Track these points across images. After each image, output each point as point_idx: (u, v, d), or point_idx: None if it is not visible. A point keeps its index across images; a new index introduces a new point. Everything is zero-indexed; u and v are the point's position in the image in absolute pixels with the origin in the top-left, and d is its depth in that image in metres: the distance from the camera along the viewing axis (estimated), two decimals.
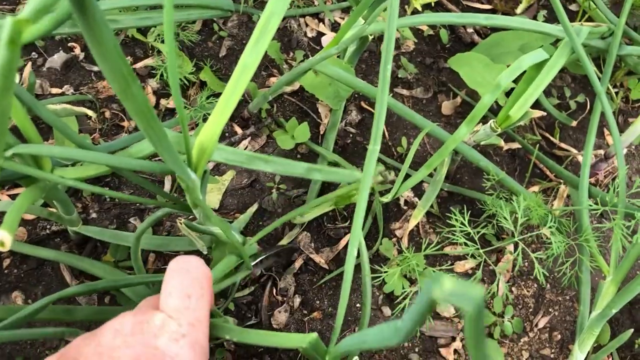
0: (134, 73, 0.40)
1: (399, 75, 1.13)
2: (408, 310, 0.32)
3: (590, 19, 1.17)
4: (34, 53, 1.02)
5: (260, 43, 0.53)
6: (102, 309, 0.73)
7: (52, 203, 0.74)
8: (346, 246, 0.92)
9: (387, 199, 0.82)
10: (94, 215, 0.89)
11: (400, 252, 0.93)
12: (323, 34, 1.16)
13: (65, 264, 0.84)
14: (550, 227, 0.80)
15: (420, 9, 1.05)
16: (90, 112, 0.82)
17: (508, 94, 0.97)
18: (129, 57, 1.03)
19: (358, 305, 0.88)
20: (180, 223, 0.64)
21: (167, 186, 0.94)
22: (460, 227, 0.80)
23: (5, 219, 0.49)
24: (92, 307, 0.81)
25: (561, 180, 1.04)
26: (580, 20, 1.18)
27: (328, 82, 0.94)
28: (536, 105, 0.98)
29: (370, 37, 0.91)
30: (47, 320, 0.78)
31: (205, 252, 0.71)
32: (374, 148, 0.66)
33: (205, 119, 0.93)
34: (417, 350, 0.86)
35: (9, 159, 0.55)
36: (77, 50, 1.05)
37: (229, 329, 0.58)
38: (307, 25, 1.17)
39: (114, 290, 0.82)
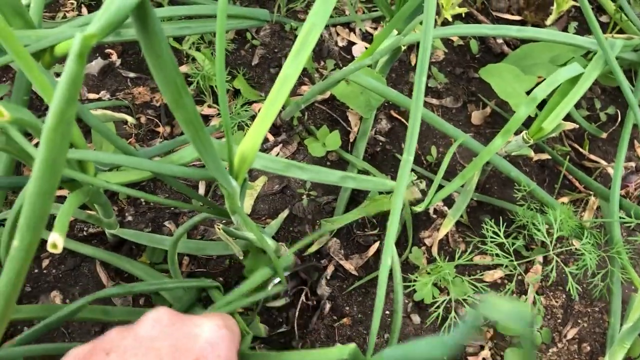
0: (186, 85, 0.42)
1: (429, 85, 1.14)
2: (458, 327, 0.34)
3: (621, 31, 1.17)
4: None
5: (301, 55, 0.54)
6: (138, 310, 0.75)
7: (93, 206, 0.76)
8: (375, 253, 0.93)
9: (420, 208, 0.82)
10: (129, 218, 0.91)
11: (429, 260, 0.94)
12: (354, 44, 1.18)
13: (104, 264, 0.86)
14: (583, 244, 0.80)
15: (450, 19, 1.05)
16: (129, 118, 0.84)
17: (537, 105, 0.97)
18: None
19: (387, 312, 0.89)
20: (219, 228, 0.65)
21: (201, 190, 0.96)
22: (492, 237, 0.80)
23: (55, 222, 0.51)
24: (127, 307, 0.83)
25: (591, 192, 1.04)
26: (611, 32, 1.18)
27: (359, 91, 0.95)
28: (566, 116, 0.98)
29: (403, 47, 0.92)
30: (84, 319, 0.80)
31: (241, 257, 0.72)
32: (407, 158, 0.67)
33: (240, 127, 0.95)
34: (445, 358, 0.87)
35: None
36: (114, 57, 1.08)
37: (264, 356, 0.59)
38: (338, 34, 1.18)
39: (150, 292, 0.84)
